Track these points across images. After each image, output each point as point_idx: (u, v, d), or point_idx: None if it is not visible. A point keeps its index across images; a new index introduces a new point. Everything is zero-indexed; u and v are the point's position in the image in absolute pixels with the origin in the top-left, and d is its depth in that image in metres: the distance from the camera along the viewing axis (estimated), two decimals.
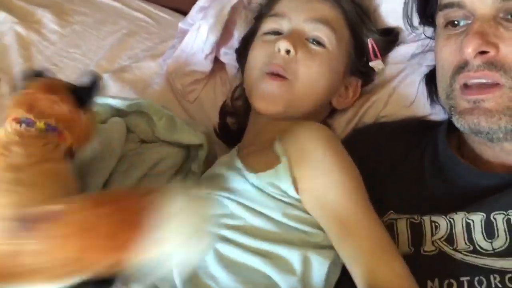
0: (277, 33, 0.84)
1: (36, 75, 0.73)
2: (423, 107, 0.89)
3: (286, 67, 0.80)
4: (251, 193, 0.71)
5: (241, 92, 0.94)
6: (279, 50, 0.80)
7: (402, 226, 0.71)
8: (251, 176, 0.71)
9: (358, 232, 0.67)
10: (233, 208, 0.71)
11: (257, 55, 0.84)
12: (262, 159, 0.73)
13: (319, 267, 0.67)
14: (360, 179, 0.70)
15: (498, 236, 0.66)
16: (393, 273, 0.63)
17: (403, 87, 0.91)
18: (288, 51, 0.80)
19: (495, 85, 0.69)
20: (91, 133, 0.72)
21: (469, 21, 0.72)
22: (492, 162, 0.75)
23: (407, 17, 0.89)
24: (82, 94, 0.69)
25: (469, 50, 0.69)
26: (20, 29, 1.12)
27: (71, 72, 1.09)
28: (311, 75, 0.81)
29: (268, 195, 0.70)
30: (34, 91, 0.68)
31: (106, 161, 0.80)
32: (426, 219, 0.70)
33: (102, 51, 1.11)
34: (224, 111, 0.97)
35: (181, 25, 1.05)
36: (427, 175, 0.77)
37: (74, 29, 1.15)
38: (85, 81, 0.70)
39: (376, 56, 0.89)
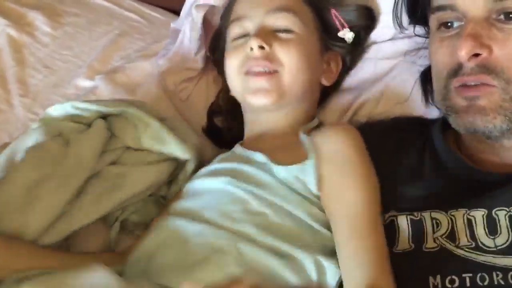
0: (245, 35, 0.84)
1: None
2: (417, 105, 0.89)
3: (268, 59, 0.80)
4: (276, 187, 0.72)
5: (227, 95, 0.93)
6: (252, 49, 0.80)
7: (403, 223, 0.71)
8: (279, 169, 0.73)
9: (366, 236, 0.68)
10: (255, 203, 0.71)
11: (233, 62, 0.84)
12: (287, 154, 0.75)
13: (333, 275, 0.68)
14: (378, 187, 0.73)
15: (500, 232, 0.66)
16: (390, 285, 0.65)
17: (396, 84, 0.91)
18: (262, 47, 0.80)
19: (489, 84, 0.70)
20: None
21: (462, 23, 0.72)
22: (491, 159, 0.75)
23: (396, 17, 0.89)
24: None
25: (463, 53, 0.69)
26: (12, 31, 1.11)
27: (64, 74, 1.09)
28: (293, 60, 0.81)
29: (294, 190, 0.72)
30: None
31: (71, 179, 0.76)
32: (427, 216, 0.70)
33: (95, 52, 1.10)
34: (212, 112, 0.96)
35: (173, 25, 1.04)
36: (426, 172, 0.77)
37: (66, 31, 1.14)
38: None
39: (343, 26, 0.89)
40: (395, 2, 0.88)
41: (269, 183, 0.73)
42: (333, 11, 0.89)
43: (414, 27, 0.89)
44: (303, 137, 0.78)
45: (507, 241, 0.65)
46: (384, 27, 0.92)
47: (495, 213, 0.67)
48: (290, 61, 0.81)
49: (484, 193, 0.69)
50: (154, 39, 1.10)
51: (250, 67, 0.81)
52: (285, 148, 0.78)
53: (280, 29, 0.83)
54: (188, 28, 0.97)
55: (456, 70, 0.72)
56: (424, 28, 0.87)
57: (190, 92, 0.99)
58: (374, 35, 0.94)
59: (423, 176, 0.76)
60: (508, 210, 0.67)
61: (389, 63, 0.92)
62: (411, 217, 0.71)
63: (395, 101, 0.90)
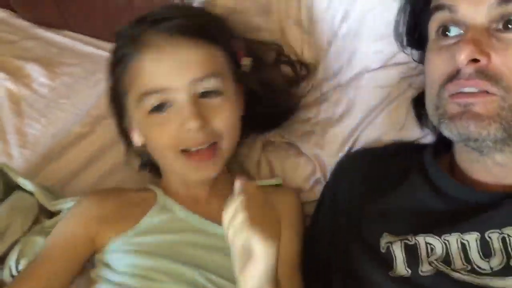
0: (162, 103, 0.76)
1: None
2: (413, 130, 0.88)
3: (207, 134, 0.76)
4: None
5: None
6: (189, 130, 0.75)
7: (398, 249, 0.69)
8: None
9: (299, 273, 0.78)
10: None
11: (164, 140, 0.77)
12: None
13: None
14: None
15: (494, 255, 0.64)
16: None
17: (392, 110, 0.90)
18: (202, 126, 0.75)
19: (486, 92, 0.68)
20: None
21: (461, 31, 0.71)
22: (484, 180, 0.72)
23: (397, 36, 0.88)
24: None
25: (462, 57, 0.67)
26: (10, 84, 1.12)
27: (62, 123, 1.10)
28: (229, 126, 0.79)
29: None
30: None
31: None
32: (421, 240, 0.68)
33: (92, 99, 1.10)
34: None
35: None
36: (418, 196, 0.75)
37: (63, 81, 1.14)
38: None
39: (243, 54, 0.85)
40: (396, 20, 0.87)
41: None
42: (236, 45, 0.84)
43: (411, 50, 0.87)
44: None
45: (501, 263, 0.63)
46: (376, 53, 0.92)
47: (488, 236, 0.65)
48: (227, 129, 0.78)
49: (476, 215, 0.67)
50: None
51: (189, 146, 0.76)
52: None
53: (209, 92, 0.77)
54: None
55: (453, 76, 0.70)
56: (421, 53, 0.86)
57: None
58: (366, 62, 0.93)
59: (415, 200, 0.74)
60: (500, 232, 0.65)
61: (383, 91, 0.91)
62: (406, 241, 0.69)
63: (392, 127, 0.89)
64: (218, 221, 0.67)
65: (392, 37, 0.89)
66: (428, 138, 0.87)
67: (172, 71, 0.76)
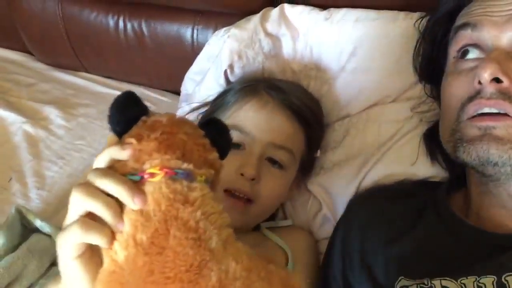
0: (237, 145, 0.82)
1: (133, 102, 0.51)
2: (425, 167, 0.85)
3: (250, 190, 0.81)
4: None
5: None
6: (242, 174, 0.80)
7: None
8: None
9: None
10: None
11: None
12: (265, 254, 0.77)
13: None
14: None
15: None
16: None
17: (403, 145, 0.88)
18: (252, 179, 0.81)
19: (507, 115, 0.65)
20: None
21: (481, 55, 0.70)
22: (499, 218, 0.69)
23: (414, 66, 0.87)
24: (221, 141, 0.54)
25: (486, 74, 0.65)
26: (28, 127, 1.14)
27: (77, 164, 1.11)
28: (272, 196, 0.84)
29: None
30: (175, 130, 0.49)
31: None
32: (437, 284, 0.64)
33: (106, 139, 1.12)
34: None
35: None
36: (433, 238, 0.71)
37: (79, 122, 1.16)
38: (217, 128, 0.55)
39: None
40: (414, 49, 0.86)
41: None
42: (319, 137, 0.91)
43: (424, 85, 0.87)
44: (269, 234, 0.84)
45: None
46: (386, 89, 0.91)
47: (505, 279, 0.61)
48: (267, 196, 0.83)
49: (492, 257, 0.63)
50: None
51: (233, 188, 0.81)
52: (255, 247, 0.76)
53: (274, 161, 0.83)
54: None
55: (473, 97, 0.68)
56: (433, 88, 0.86)
57: None
58: (375, 97, 0.91)
59: (430, 243, 0.71)
60: None
61: (394, 126, 0.89)
62: (422, 285, 0.65)
63: (403, 164, 0.86)
64: None
65: (402, 73, 0.89)
66: (440, 176, 0.84)
67: (263, 126, 0.83)
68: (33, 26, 1.25)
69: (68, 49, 1.24)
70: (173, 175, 0.46)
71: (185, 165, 0.47)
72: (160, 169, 0.46)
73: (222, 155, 0.54)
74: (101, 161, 0.51)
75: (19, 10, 1.24)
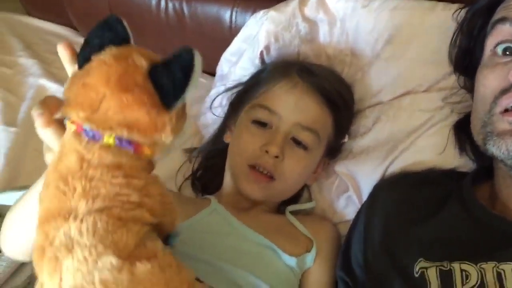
0: (264, 124, 0.86)
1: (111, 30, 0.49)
2: (453, 157, 0.85)
3: (274, 167, 0.84)
4: (284, 273, 0.79)
5: (216, 153, 0.96)
6: (267, 152, 0.83)
7: (433, 275, 0.66)
8: (287, 258, 0.80)
9: None
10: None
11: (243, 146, 0.86)
12: (286, 238, 0.82)
13: None
14: None
15: None
16: None
17: (432, 134, 0.88)
18: (277, 156, 0.83)
19: None
20: (178, 130, 0.51)
21: None
22: None
23: (450, 57, 0.87)
24: (165, 85, 0.47)
25: None
26: None
27: None
28: (294, 175, 0.86)
29: (295, 275, 0.80)
30: (96, 80, 0.47)
31: None
32: (456, 267, 0.65)
33: None
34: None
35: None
36: (456, 224, 0.72)
37: None
38: (173, 61, 0.48)
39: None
40: (451, 41, 0.86)
41: (278, 268, 0.79)
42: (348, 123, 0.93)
43: (458, 76, 0.87)
44: (294, 221, 0.86)
45: None
46: (420, 78, 0.91)
47: None
48: (290, 175, 0.85)
49: None
50: (196, 100, 1.12)
51: (257, 164, 0.84)
52: (280, 231, 0.84)
53: (298, 142, 0.85)
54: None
55: (506, 90, 0.68)
56: (466, 80, 0.86)
57: None
58: (409, 85, 0.91)
59: (453, 228, 0.72)
60: None
61: (425, 115, 0.89)
62: (441, 267, 0.66)
63: (430, 153, 0.86)
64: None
65: (437, 64, 0.89)
66: (468, 167, 0.84)
67: (291, 106, 0.85)
68: (79, 1, 1.29)
69: None
70: (81, 131, 0.48)
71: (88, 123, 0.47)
72: (72, 123, 0.48)
73: (167, 103, 0.48)
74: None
75: None
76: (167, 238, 0.53)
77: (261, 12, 1.02)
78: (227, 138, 0.93)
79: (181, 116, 0.51)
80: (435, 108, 0.90)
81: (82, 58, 0.50)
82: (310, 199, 0.95)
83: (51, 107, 0.52)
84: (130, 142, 0.48)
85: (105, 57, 0.48)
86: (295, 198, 0.94)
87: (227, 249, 0.78)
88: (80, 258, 0.46)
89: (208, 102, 1.05)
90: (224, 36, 1.13)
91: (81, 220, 0.47)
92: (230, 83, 1.02)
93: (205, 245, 0.78)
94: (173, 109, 0.48)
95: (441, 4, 0.92)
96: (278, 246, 0.80)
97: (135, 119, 0.47)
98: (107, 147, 0.48)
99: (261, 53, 0.98)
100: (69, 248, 0.46)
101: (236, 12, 1.14)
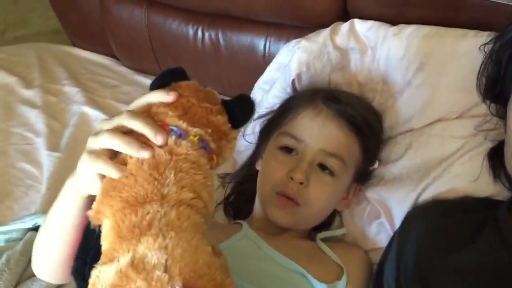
0: (291, 149, 0.87)
1: (177, 74, 0.60)
2: (487, 185, 0.83)
3: (298, 194, 0.84)
4: None
5: (249, 179, 0.97)
6: (292, 179, 0.84)
7: None
8: (318, 285, 0.79)
9: None
10: None
11: (270, 172, 0.88)
12: (317, 265, 0.82)
13: None
14: None
15: None
16: None
17: (466, 162, 0.87)
18: (301, 183, 0.84)
19: None
20: (233, 151, 0.62)
21: None
22: None
23: (479, 87, 0.87)
24: (236, 111, 0.59)
25: None
26: None
27: None
28: (320, 202, 0.86)
29: None
30: (187, 93, 0.56)
31: None
32: None
33: None
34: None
35: None
36: (493, 254, 0.71)
37: None
38: (238, 100, 0.60)
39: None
40: (479, 71, 0.86)
41: None
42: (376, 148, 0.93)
43: (490, 104, 0.86)
44: (324, 247, 0.86)
45: None
46: (452, 105, 0.90)
47: None
48: (315, 201, 0.85)
49: None
50: None
51: (283, 191, 0.85)
52: (311, 257, 0.84)
53: (324, 167, 0.86)
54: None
55: None
56: (499, 107, 0.85)
57: None
58: (441, 112, 0.91)
59: (490, 258, 0.70)
60: None
61: (457, 142, 0.88)
62: None
63: (463, 180, 0.85)
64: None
65: (470, 91, 0.88)
66: (502, 195, 0.82)
67: (316, 133, 0.86)
68: (121, 32, 1.34)
69: (150, 55, 1.32)
70: (169, 131, 0.54)
71: (180, 123, 0.54)
72: (160, 123, 0.54)
73: (236, 124, 0.58)
74: (138, 103, 0.59)
75: (109, 18, 1.33)
76: None
77: (294, 42, 1.04)
78: (258, 165, 0.95)
79: (235, 140, 0.60)
80: (468, 135, 0.89)
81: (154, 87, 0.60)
82: (341, 226, 0.95)
83: None
84: (207, 147, 0.55)
85: (189, 82, 0.58)
86: (326, 225, 0.94)
87: (257, 272, 0.78)
88: (186, 239, 0.50)
89: (241, 128, 1.07)
90: (258, 65, 1.16)
91: (177, 207, 0.52)
92: (262, 111, 1.04)
93: (235, 268, 0.79)
94: (239, 129, 0.59)
95: (472, 31, 0.92)
96: (309, 272, 0.80)
97: (216, 125, 0.56)
98: (192, 145, 0.54)
99: (293, 81, 1.00)
100: (175, 230, 0.50)
101: (270, 42, 1.17)
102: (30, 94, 1.28)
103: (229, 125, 0.58)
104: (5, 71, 1.33)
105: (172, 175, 0.52)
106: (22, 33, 1.86)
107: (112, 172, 0.55)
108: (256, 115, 1.02)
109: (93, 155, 0.57)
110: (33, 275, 0.91)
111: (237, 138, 0.61)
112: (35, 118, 1.23)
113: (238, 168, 1.04)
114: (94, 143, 0.58)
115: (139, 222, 0.50)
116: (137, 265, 0.48)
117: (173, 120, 0.54)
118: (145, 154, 0.53)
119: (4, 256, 0.92)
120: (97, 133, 0.58)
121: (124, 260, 0.48)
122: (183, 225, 0.51)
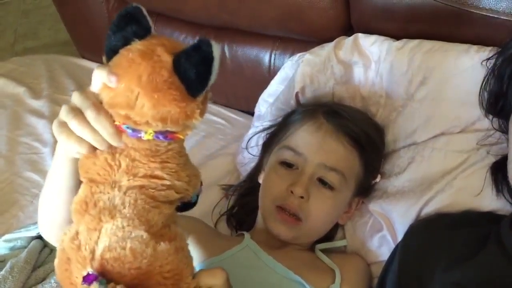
0: (291, 165, 0.87)
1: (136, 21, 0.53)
2: (490, 199, 0.83)
3: (299, 208, 0.84)
4: None
5: (251, 191, 0.97)
6: (292, 193, 0.84)
7: None
8: None
9: None
10: None
11: (271, 186, 0.88)
12: (313, 272, 0.83)
13: None
14: None
15: None
16: None
17: (468, 176, 0.86)
18: (302, 197, 0.84)
19: None
20: (205, 110, 0.56)
21: None
22: None
23: (481, 102, 0.87)
24: (190, 75, 0.51)
25: None
26: None
27: None
28: (321, 216, 0.86)
29: None
30: (129, 77, 0.52)
31: None
32: None
33: None
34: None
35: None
36: (495, 268, 0.70)
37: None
38: (194, 54, 0.51)
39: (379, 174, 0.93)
40: (481, 85, 0.86)
41: None
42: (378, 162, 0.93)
43: (492, 118, 0.86)
44: (320, 255, 0.87)
45: None
46: (455, 119, 0.90)
47: None
48: (316, 215, 0.85)
49: None
50: (235, 139, 1.16)
51: (283, 205, 0.85)
52: (310, 267, 0.84)
53: (324, 182, 0.86)
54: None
55: None
56: (501, 122, 0.85)
57: None
58: (444, 126, 0.91)
59: (492, 273, 0.70)
60: None
61: (460, 156, 0.88)
62: None
63: (466, 195, 0.85)
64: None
65: (472, 105, 0.88)
66: (505, 210, 0.82)
67: (315, 147, 0.87)
68: None
69: None
70: (123, 130, 0.55)
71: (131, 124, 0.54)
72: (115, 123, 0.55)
73: (193, 92, 0.53)
74: (94, 85, 0.58)
75: None
76: (185, 204, 0.60)
77: (298, 55, 1.05)
78: (260, 178, 0.95)
79: (206, 98, 0.56)
80: (471, 149, 0.89)
81: (109, 50, 0.56)
82: (343, 239, 0.95)
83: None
84: (165, 134, 0.54)
85: (133, 56, 0.53)
86: (328, 238, 0.94)
87: (255, 282, 0.79)
88: (119, 226, 0.54)
89: (245, 141, 1.08)
90: (263, 78, 1.17)
91: (125, 193, 0.55)
92: (266, 123, 1.05)
93: (234, 278, 0.80)
94: (199, 97, 0.54)
95: (475, 46, 0.92)
96: (307, 281, 0.80)
97: (167, 112, 0.53)
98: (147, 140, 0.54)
99: (297, 94, 1.00)
100: (112, 215, 0.54)
101: (275, 55, 1.18)
102: (38, 104, 1.29)
103: (185, 100, 0.52)
104: (14, 81, 1.34)
105: (124, 164, 0.55)
106: (31, 45, 1.89)
107: (71, 148, 0.58)
108: (260, 127, 1.05)
109: (61, 128, 0.59)
110: (37, 283, 0.93)
111: (203, 102, 0.55)
112: (43, 128, 1.24)
113: (241, 180, 1.04)
114: (65, 117, 0.58)
115: (89, 199, 0.55)
116: (73, 240, 0.55)
117: (119, 117, 0.54)
118: (102, 147, 0.56)
119: (8, 264, 0.92)
120: (70, 108, 0.59)
121: (70, 232, 0.56)
122: (123, 211, 0.54)
